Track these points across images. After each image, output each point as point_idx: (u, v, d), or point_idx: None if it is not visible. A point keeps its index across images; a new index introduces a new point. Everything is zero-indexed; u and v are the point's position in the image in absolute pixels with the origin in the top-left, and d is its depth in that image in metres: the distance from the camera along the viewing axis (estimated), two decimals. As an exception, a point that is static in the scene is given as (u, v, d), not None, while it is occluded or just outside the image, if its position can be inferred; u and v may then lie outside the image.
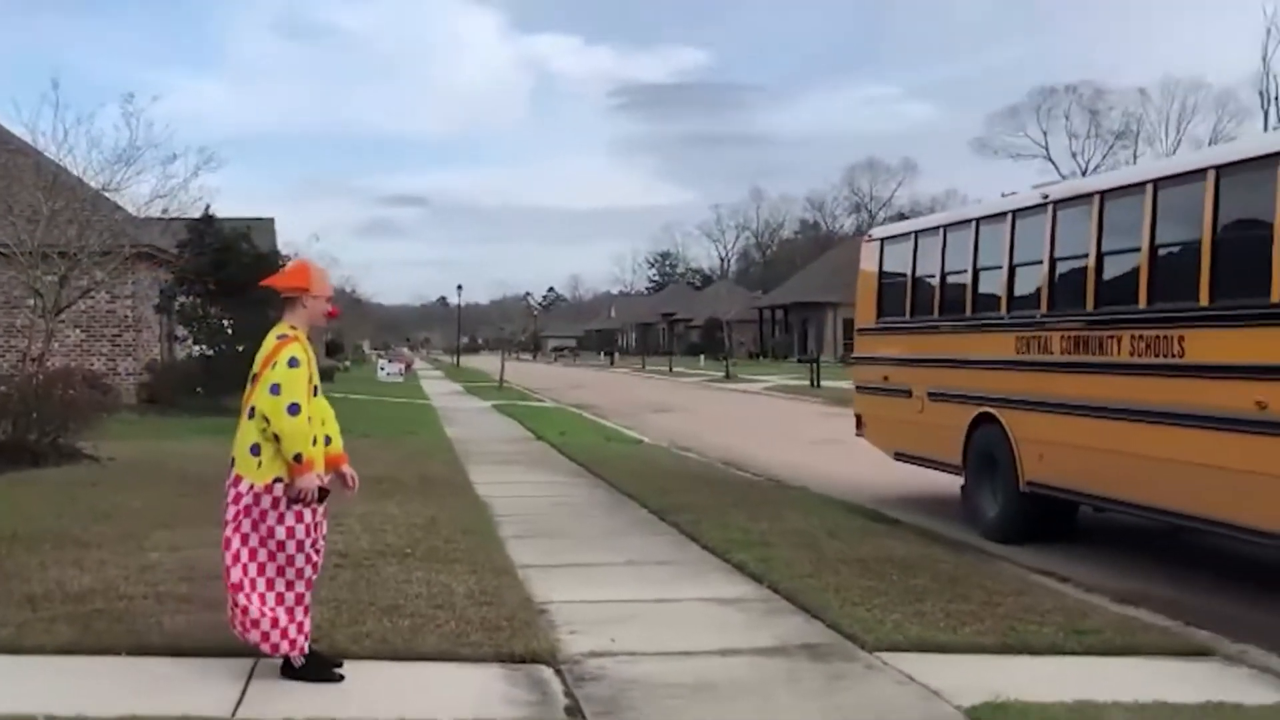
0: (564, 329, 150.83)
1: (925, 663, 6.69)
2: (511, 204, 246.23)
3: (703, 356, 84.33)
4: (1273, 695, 6.20)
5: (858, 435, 15.30)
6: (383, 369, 56.02)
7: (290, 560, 6.11)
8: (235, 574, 6.07)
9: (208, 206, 27.01)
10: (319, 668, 6.18)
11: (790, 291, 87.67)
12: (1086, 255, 10.59)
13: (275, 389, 5.96)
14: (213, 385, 26.44)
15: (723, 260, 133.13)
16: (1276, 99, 67.43)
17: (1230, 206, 8.91)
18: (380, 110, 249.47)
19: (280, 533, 6.07)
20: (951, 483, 13.06)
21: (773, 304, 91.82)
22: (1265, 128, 60.98)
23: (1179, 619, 8.09)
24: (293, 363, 6.02)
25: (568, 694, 6.09)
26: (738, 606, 8.18)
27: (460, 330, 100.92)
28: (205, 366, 27.40)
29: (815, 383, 44.62)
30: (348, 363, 67.02)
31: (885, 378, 14.29)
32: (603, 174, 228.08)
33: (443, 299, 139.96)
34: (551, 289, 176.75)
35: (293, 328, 6.24)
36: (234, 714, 5.60)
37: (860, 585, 8.54)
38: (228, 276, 26.76)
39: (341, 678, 6.17)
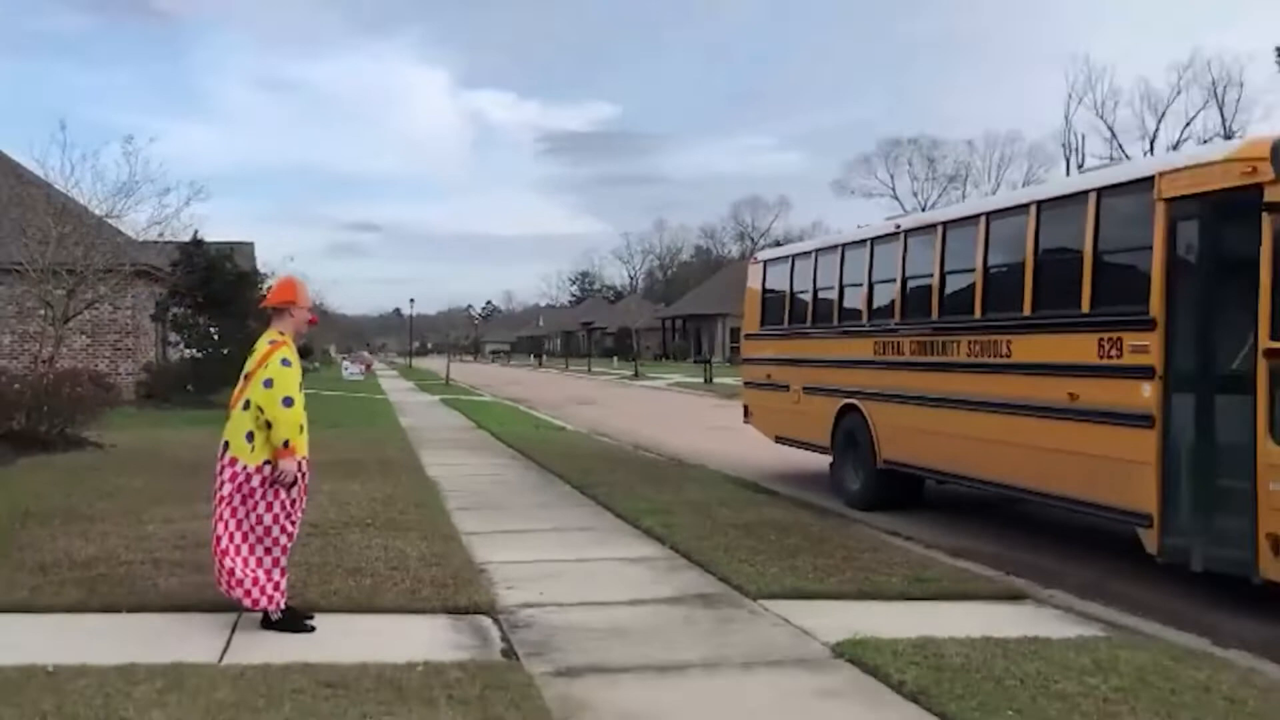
0: (500, 335, 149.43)
1: (798, 608, 6.76)
2: (456, 230, 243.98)
3: (616, 358, 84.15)
4: (1074, 630, 6.36)
5: (745, 423, 15.40)
6: (347, 369, 55.23)
7: (268, 530, 6.04)
8: (224, 541, 5.98)
9: (196, 231, 26.55)
10: (293, 620, 6.10)
11: (687, 305, 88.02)
12: (931, 274, 10.77)
13: (269, 384, 5.93)
14: (201, 383, 25.95)
15: (632, 278, 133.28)
16: (1076, 150, 69.34)
17: (1048, 234, 9.10)
18: (344, 150, 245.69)
19: (262, 507, 6.01)
20: (821, 461, 13.19)
21: (673, 315, 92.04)
22: (1067, 173, 62.51)
23: (1001, 570, 8.26)
24: (285, 362, 6.01)
25: (504, 639, 6.08)
26: (645, 564, 8.20)
27: (412, 336, 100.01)
28: (195, 367, 26.87)
29: (709, 380, 44.84)
30: (317, 364, 65.88)
31: (768, 375, 14.40)
32: (532, 206, 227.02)
33: (398, 310, 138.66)
34: (489, 302, 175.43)
35: (281, 334, 6.21)
36: (220, 661, 5.49)
37: (745, 545, 8.61)
38: (213, 291, 26.36)
39: (313, 628, 6.09)
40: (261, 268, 38.80)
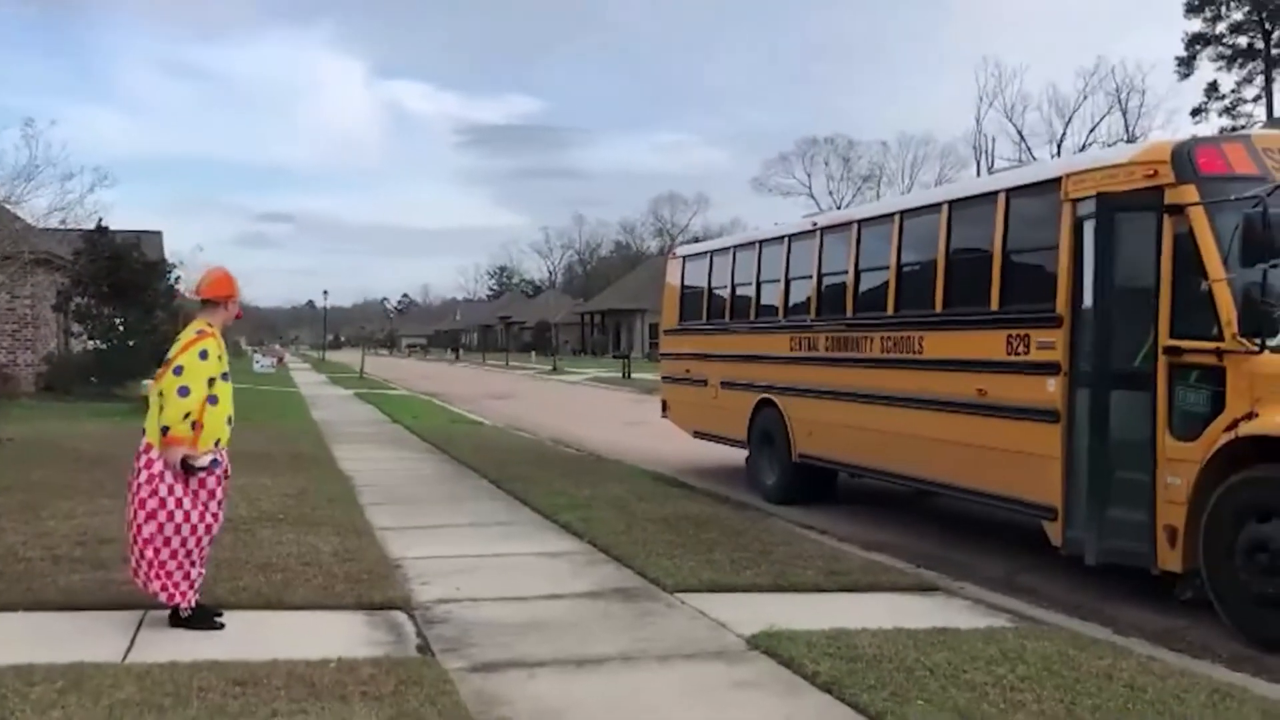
0: (416, 329, 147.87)
1: (715, 601, 6.79)
2: (371, 222, 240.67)
3: (534, 353, 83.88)
4: (983, 621, 6.49)
5: (663, 417, 15.42)
6: (258, 362, 54.01)
7: (185, 520, 5.88)
8: (145, 531, 5.81)
9: (101, 219, 25.79)
10: (202, 617, 5.95)
11: (607, 300, 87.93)
12: (846, 271, 10.89)
13: (179, 370, 5.82)
14: (106, 375, 25.25)
15: (551, 273, 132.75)
16: (986, 152, 70.90)
17: (959, 233, 9.25)
18: (256, 139, 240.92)
19: (172, 501, 5.84)
20: (738, 456, 13.28)
21: (592, 310, 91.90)
22: (977, 175, 63.94)
23: (913, 563, 8.39)
24: (203, 355, 5.89)
25: (419, 634, 6.01)
26: (563, 559, 8.16)
27: (326, 329, 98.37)
28: (99, 359, 26.10)
29: (627, 375, 44.91)
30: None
31: (686, 370, 14.45)
32: (449, 199, 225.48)
33: (311, 302, 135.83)
34: (406, 295, 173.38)
35: (209, 324, 6.09)
36: (124, 659, 5.33)
37: (663, 539, 8.63)
38: (119, 281, 25.63)
39: (222, 625, 5.96)
40: (170, 257, 37.87)
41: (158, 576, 5.83)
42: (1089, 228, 7.70)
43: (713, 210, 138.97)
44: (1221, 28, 60.92)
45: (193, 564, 5.95)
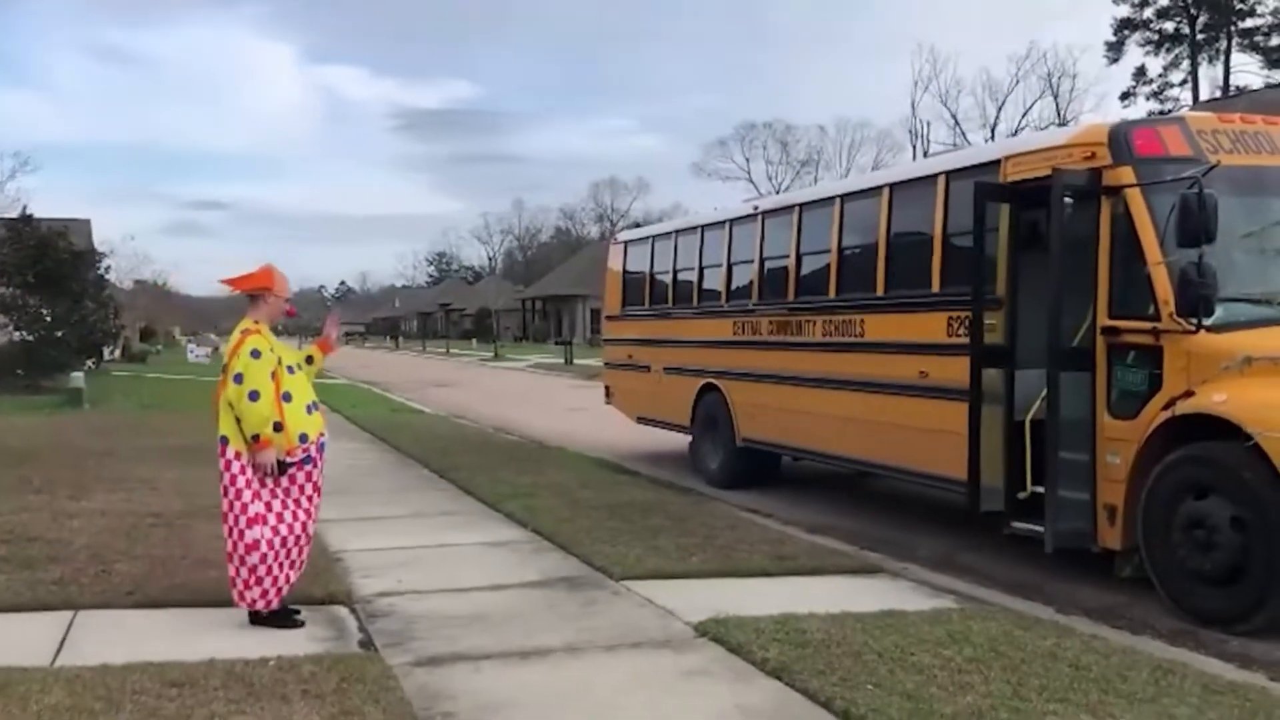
0: (355, 317, 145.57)
1: (661, 588, 6.73)
2: (307, 210, 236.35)
3: (475, 340, 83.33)
4: (927, 603, 6.49)
5: (607, 404, 15.33)
6: (191, 352, 53.15)
7: (281, 521, 5.87)
8: (249, 538, 5.76)
9: (25, 207, 25.10)
10: (284, 614, 5.90)
11: (548, 286, 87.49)
12: (788, 255, 10.88)
13: (239, 378, 5.72)
14: (33, 367, 24.56)
15: (491, 259, 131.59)
16: (922, 136, 71.60)
17: (900, 217, 9.26)
18: (186, 125, 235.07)
19: (266, 503, 5.85)
20: (682, 441, 13.26)
21: (533, 296, 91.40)
22: (914, 159, 64.54)
23: (857, 545, 8.40)
24: (255, 354, 5.75)
25: (361, 629, 5.89)
26: (507, 548, 8.06)
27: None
28: (25, 350, 25.37)
29: (569, 361, 44.73)
30: (159, 347, 63.17)
31: (629, 356, 14.37)
32: (387, 185, 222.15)
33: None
34: (344, 283, 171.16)
35: (255, 322, 5.95)
36: (53, 663, 5.14)
37: (608, 526, 8.56)
38: (45, 270, 24.91)
39: (302, 623, 5.86)
40: (100, 246, 37.01)
41: (258, 583, 5.76)
42: (1028, 210, 7.76)
43: (653, 195, 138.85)
44: (1149, 13, 62.14)
45: (293, 566, 5.89)
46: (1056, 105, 67.35)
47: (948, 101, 72.34)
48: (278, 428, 5.75)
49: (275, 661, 5.07)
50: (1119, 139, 7.11)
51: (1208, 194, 6.37)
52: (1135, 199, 6.92)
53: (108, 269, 31.35)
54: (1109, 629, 6.12)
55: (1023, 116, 67.95)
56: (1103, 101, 65.54)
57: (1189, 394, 6.51)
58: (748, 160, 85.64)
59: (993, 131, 67.72)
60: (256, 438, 5.71)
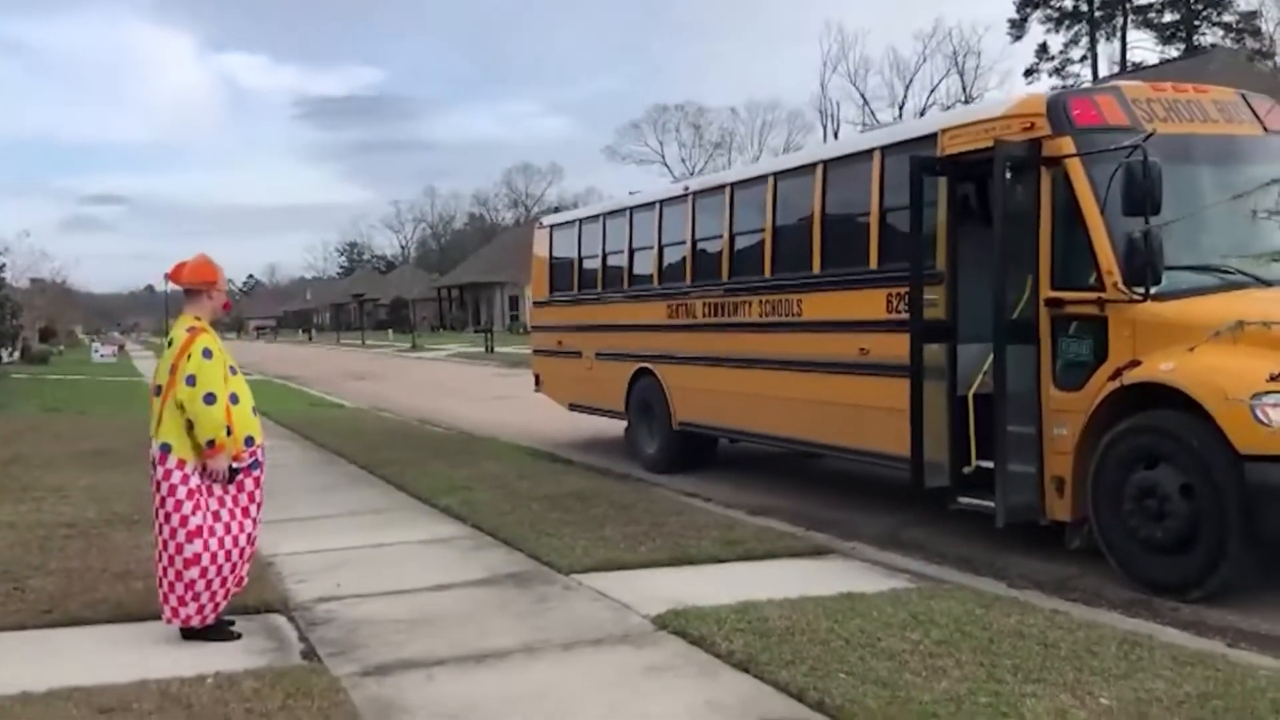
0: (265, 310, 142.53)
1: (613, 580, 6.55)
2: (211, 202, 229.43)
3: (391, 331, 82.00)
4: (884, 584, 6.39)
5: (536, 391, 15.05)
6: (97, 351, 51.32)
7: (226, 533, 5.59)
8: (188, 551, 5.44)
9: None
10: (218, 627, 5.56)
11: (464, 273, 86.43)
12: (721, 236, 10.75)
13: (192, 380, 5.36)
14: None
15: (404, 248, 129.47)
16: (832, 116, 72.19)
17: (835, 194, 9.17)
18: (79, 118, 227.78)
19: (213, 512, 5.55)
20: (615, 427, 13.09)
21: (449, 284, 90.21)
22: (825, 139, 65.07)
23: (801, 526, 8.31)
24: (206, 354, 5.41)
25: (302, 638, 5.58)
26: (447, 545, 7.79)
27: (168, 315, 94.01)
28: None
29: (490, 349, 44.25)
30: (61, 348, 60.90)
31: (559, 342, 14.11)
32: (293, 175, 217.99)
33: (150, 287, 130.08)
34: (251, 276, 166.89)
35: (198, 319, 5.59)
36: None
37: (551, 517, 8.34)
38: (-65, 270, 23.69)
39: (238, 635, 5.53)
40: (-9, 243, 35.44)
41: (195, 599, 5.42)
42: (966, 183, 7.71)
43: (567, 180, 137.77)
44: (1049, -10, 63.25)
45: (236, 582, 5.60)
46: (963, 83, 68.39)
47: (857, 81, 72.97)
48: (228, 432, 5.46)
49: (213, 679, 4.77)
50: (1057, 109, 7.09)
51: (1151, 162, 6.36)
52: (1075, 169, 6.90)
53: (2, 267, 29.94)
54: (1065, 602, 6.08)
55: (929, 94, 68.89)
56: (1007, 78, 66.70)
57: (1135, 363, 6.50)
58: (661, 144, 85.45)
59: (900, 110, 68.55)
60: (211, 443, 5.41)
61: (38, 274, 55.92)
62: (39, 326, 59.82)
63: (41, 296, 57.71)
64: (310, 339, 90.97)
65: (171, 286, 6.17)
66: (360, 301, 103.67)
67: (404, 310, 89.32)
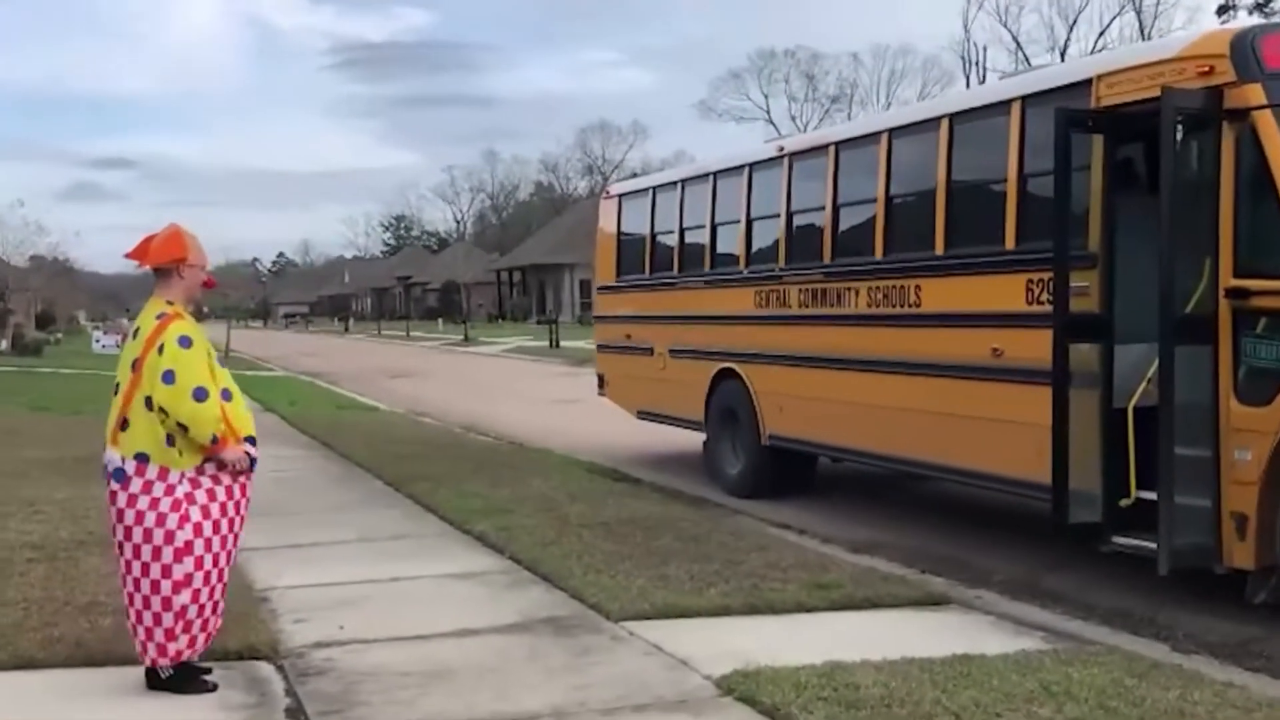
0: (296, 295, 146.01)
1: (672, 630, 6.47)
2: (231, 167, 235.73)
3: (441, 320, 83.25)
4: (1011, 643, 6.22)
5: (600, 395, 15.11)
6: (98, 341, 52.67)
7: (220, 548, 5.58)
8: (178, 573, 5.43)
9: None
10: (189, 676, 5.54)
11: (527, 253, 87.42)
12: (823, 208, 10.64)
13: (169, 376, 5.34)
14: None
15: (459, 223, 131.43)
16: (977, 64, 71.27)
17: (964, 156, 9.04)
18: (84, 70, 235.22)
19: (196, 525, 5.47)
20: (694, 440, 13.01)
21: (510, 266, 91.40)
22: (967, 89, 64.32)
23: (915, 568, 8.20)
24: (183, 342, 5.41)
25: (289, 693, 5.58)
26: (477, 580, 7.79)
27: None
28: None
29: (555, 343, 44.52)
30: (58, 335, 62.90)
31: (627, 336, 14.12)
32: (330, 136, 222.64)
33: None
34: (282, 254, 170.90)
35: (169, 303, 5.60)
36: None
37: (604, 550, 8.31)
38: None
39: (214, 687, 5.53)
40: (-19, 214, 36.76)
41: (187, 629, 5.45)
42: (1129, 143, 7.46)
43: (652, 142, 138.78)
44: (1251, -92, 61.57)
45: (218, 609, 5.63)
46: (1140, 23, 67.20)
47: (1008, 21, 72.12)
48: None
49: (175, 743, 4.74)
50: (1245, 49, 6.85)
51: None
52: (1267, 125, 6.64)
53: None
54: (1243, 672, 5.88)
55: (1098, 37, 67.87)
56: (1195, 17, 65.22)
57: (1341, 372, 6.18)
58: (766, 97, 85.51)
59: (1062, 56, 67.44)
60: (215, 439, 5.41)
61: (35, 250, 57.76)
62: (36, 311, 61.90)
63: (38, 276, 59.68)
64: (347, 329, 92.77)
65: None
66: (406, 285, 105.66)
67: (456, 296, 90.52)
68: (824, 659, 5.71)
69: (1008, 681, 5.38)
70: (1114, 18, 68.66)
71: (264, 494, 11.35)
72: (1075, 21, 69.77)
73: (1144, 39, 63.31)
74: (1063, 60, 64.37)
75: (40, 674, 5.75)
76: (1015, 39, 70.96)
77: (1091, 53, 63.04)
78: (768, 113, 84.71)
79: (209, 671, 5.66)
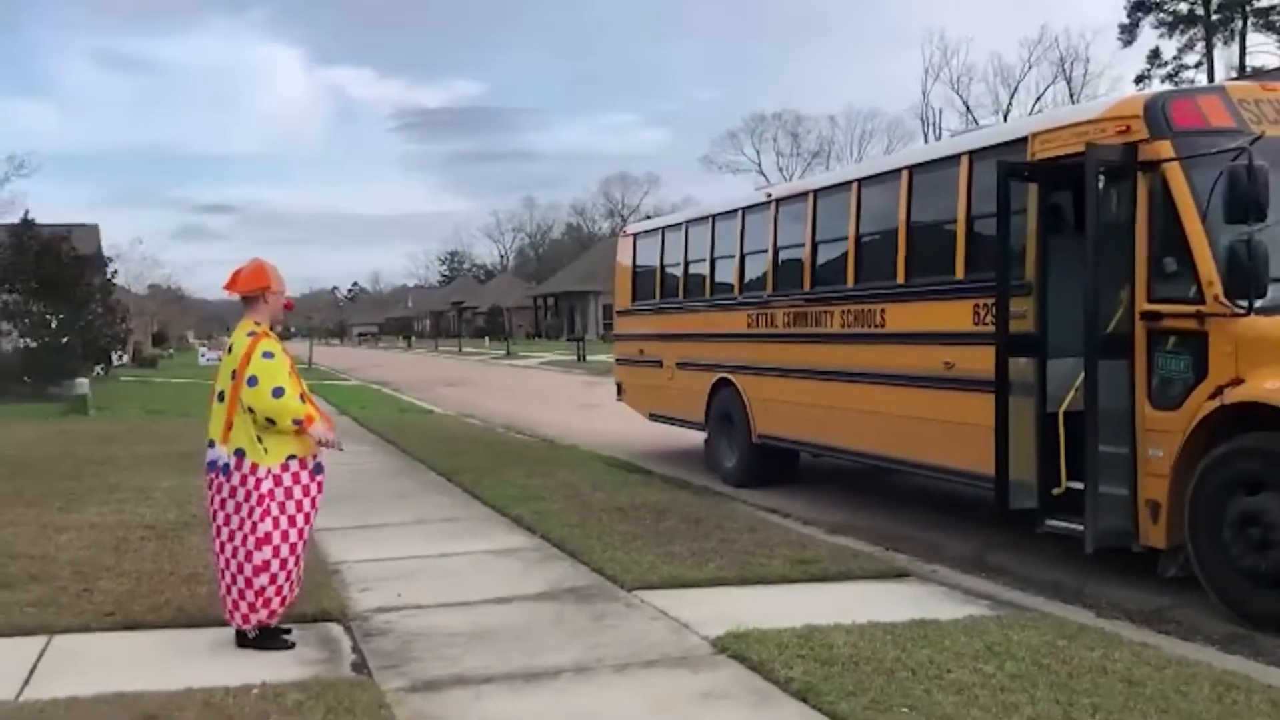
0: (367, 317, 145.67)
1: (676, 598, 6.36)
2: (316, 210, 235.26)
3: (487, 338, 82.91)
4: (961, 610, 6.09)
5: (618, 400, 14.97)
6: (203, 355, 52.69)
7: (297, 534, 5.55)
8: (257, 559, 5.40)
9: (27, 212, 24.87)
10: (273, 635, 5.54)
11: (560, 282, 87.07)
12: (803, 244, 10.50)
13: (253, 381, 5.38)
14: (39, 374, 24.30)
15: (503, 257, 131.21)
16: (933, 124, 70.90)
17: (921, 200, 8.89)
18: (194, 130, 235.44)
19: (276, 516, 5.44)
20: (696, 438, 12.89)
21: (545, 293, 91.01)
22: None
23: (881, 545, 8.06)
24: (267, 355, 5.44)
25: (355, 649, 5.51)
26: (514, 556, 7.69)
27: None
28: (30, 357, 25.11)
29: (581, 358, 44.39)
30: (171, 351, 63.04)
31: (641, 351, 14.00)
32: (396, 185, 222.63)
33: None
34: (355, 283, 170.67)
35: (258, 323, 5.61)
36: (17, 698, 4.75)
37: (620, 530, 8.20)
38: (48, 275, 24.65)
39: (292, 645, 5.51)
40: (108, 251, 36.89)
41: (266, 604, 5.43)
42: (1058, 189, 7.36)
43: (664, 189, 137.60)
44: (1162, -6, 61.15)
45: (297, 581, 5.61)
46: (1070, 90, 66.70)
47: (959, 88, 72.00)
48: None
49: (259, 689, 4.70)
50: (1156, 111, 6.69)
51: (1257, 166, 5.93)
52: (1175, 174, 6.50)
53: (114, 273, 31.03)
54: (1157, 634, 5.73)
55: (1035, 102, 67.34)
56: (1117, 85, 64.68)
57: (1238, 381, 6.08)
58: (758, 152, 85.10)
59: (1004, 118, 66.93)
60: (299, 421, 5.41)
61: (152, 280, 57.97)
62: (152, 331, 62.05)
63: (154, 302, 59.89)
64: (409, 346, 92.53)
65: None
66: (459, 309, 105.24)
67: (500, 318, 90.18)
68: (803, 623, 5.60)
69: (958, 642, 5.27)
70: (1048, 85, 68.26)
71: (340, 484, 11.36)
72: (1016, 89, 69.39)
73: (1073, 103, 62.94)
74: (1004, 121, 64.07)
75: (149, 633, 5.71)
76: (965, 104, 70.59)
77: (1030, 114, 62.84)
78: (759, 165, 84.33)
79: (289, 632, 5.62)
